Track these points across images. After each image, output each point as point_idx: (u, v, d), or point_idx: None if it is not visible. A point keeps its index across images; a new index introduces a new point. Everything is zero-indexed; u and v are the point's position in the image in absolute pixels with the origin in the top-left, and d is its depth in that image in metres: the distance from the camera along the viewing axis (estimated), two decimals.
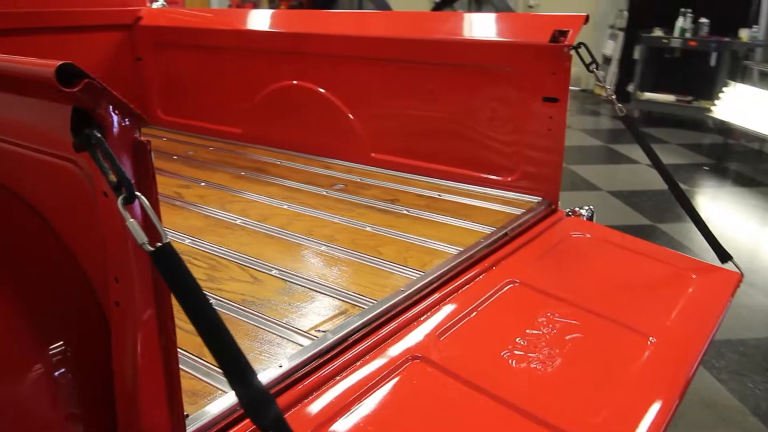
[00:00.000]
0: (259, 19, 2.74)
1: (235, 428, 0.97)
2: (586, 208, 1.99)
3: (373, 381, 1.11)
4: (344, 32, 2.30)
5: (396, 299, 1.33)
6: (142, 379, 0.84)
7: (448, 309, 1.36)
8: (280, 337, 1.20)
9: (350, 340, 1.19)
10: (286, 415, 0.99)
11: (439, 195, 2.01)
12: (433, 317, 1.32)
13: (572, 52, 1.79)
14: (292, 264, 1.52)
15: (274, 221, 1.78)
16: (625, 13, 8.02)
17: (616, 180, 5.03)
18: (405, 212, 1.87)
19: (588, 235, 1.77)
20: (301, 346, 1.17)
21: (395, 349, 1.20)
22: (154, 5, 3.24)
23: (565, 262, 1.63)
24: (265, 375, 1.07)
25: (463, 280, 1.47)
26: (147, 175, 0.77)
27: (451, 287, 1.43)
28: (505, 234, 1.70)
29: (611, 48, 8.25)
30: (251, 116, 2.67)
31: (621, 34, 8.03)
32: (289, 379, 1.08)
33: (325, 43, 2.34)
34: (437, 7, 8.73)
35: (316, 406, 1.04)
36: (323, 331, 1.21)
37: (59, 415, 0.90)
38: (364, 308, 1.30)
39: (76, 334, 0.95)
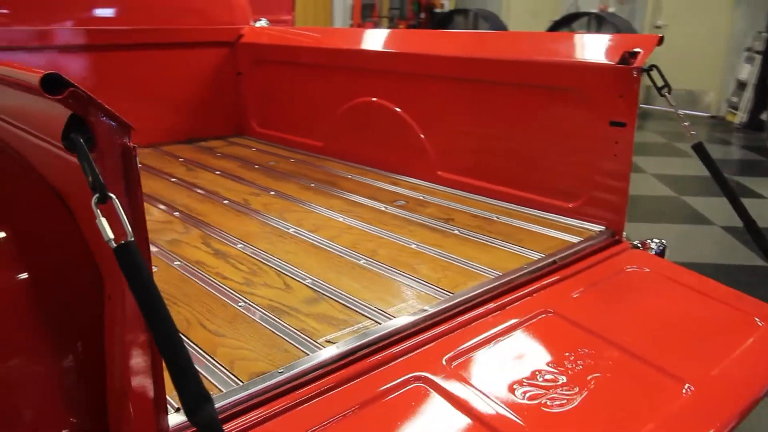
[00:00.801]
0: (345, 38, 2.83)
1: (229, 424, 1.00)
2: (657, 241, 1.86)
3: (368, 398, 1.10)
4: (415, 51, 2.32)
5: (414, 318, 1.31)
6: (127, 371, 0.89)
7: (468, 333, 1.32)
8: (292, 344, 1.23)
9: (357, 355, 1.19)
10: (273, 421, 1.02)
11: (497, 217, 1.96)
12: (450, 340, 1.29)
13: (638, 73, 1.69)
14: (326, 274, 1.54)
15: (324, 233, 1.83)
16: (765, 35, 7.40)
17: (734, 215, 4.62)
18: (456, 232, 1.84)
19: (647, 270, 1.65)
20: (307, 354, 1.19)
21: (400, 369, 1.18)
22: (257, 24, 3.45)
23: (612, 297, 1.53)
24: (263, 379, 1.10)
25: (493, 305, 1.42)
26: (132, 177, 0.83)
27: (477, 312, 1.39)
28: (553, 262, 1.63)
29: (747, 72, 7.64)
30: (332, 131, 2.75)
31: (758, 58, 7.41)
32: (285, 386, 1.10)
33: (398, 61, 2.38)
34: (554, 27, 8.52)
35: (304, 416, 1.05)
36: (333, 343, 1.23)
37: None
38: (380, 324, 1.30)
39: (89, 328, 1.03)
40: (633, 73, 1.70)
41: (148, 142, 2.98)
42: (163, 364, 0.78)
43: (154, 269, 1.57)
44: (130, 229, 0.76)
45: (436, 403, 1.12)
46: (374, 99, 2.50)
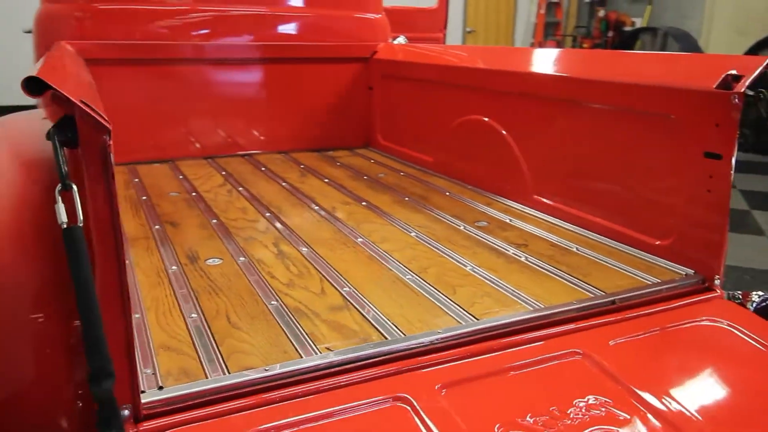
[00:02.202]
0: (469, 55, 2.82)
1: (186, 414, 1.07)
2: (760, 294, 1.61)
3: (336, 409, 1.10)
4: (513, 69, 2.24)
5: (420, 339, 1.28)
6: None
7: (474, 364, 1.26)
8: (294, 346, 1.26)
9: (344, 367, 1.20)
10: (239, 414, 1.07)
11: (577, 248, 1.83)
12: (451, 366, 1.24)
13: (739, 99, 1.48)
14: (365, 285, 1.56)
15: (387, 245, 1.84)
16: None
17: None
18: (522, 259, 1.75)
19: (733, 327, 1.43)
20: (300, 357, 1.22)
21: (384, 387, 1.17)
22: (395, 41, 3.56)
23: (666, 349, 1.35)
24: (248, 373, 1.15)
25: (516, 338, 1.34)
26: (106, 172, 0.93)
27: (494, 342, 1.31)
28: (612, 302, 1.49)
29: None
30: (442, 147, 2.76)
31: None
32: (263, 385, 1.14)
33: (497, 79, 2.32)
34: (754, 50, 7.61)
35: (270, 415, 1.08)
36: (329, 350, 1.25)
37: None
38: (387, 339, 1.29)
39: None
40: (732, 99, 1.49)
41: (280, 148, 3.22)
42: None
43: (218, 262, 1.71)
44: (81, 216, 0.86)
45: (408, 426, 1.09)
46: (478, 116, 2.47)
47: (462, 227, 2.02)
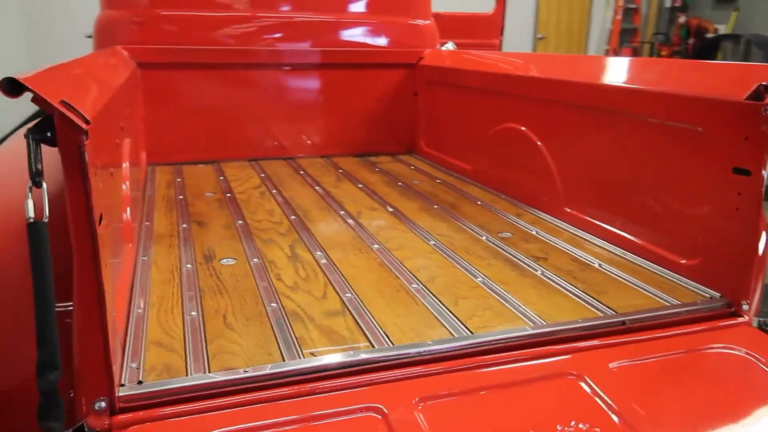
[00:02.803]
0: (512, 61, 2.76)
1: (160, 409, 1.09)
2: None
3: (309, 414, 1.10)
4: (545, 76, 2.17)
5: (407, 350, 1.26)
6: (79, 330, 1.03)
7: (459, 377, 1.22)
8: (280, 349, 1.27)
9: (323, 373, 1.19)
10: (210, 414, 1.08)
11: (599, 264, 1.75)
12: (433, 380, 1.21)
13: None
14: (368, 292, 1.55)
15: (401, 253, 1.82)
16: None
17: None
18: (537, 273, 1.69)
19: (745, 352, 1.33)
20: (283, 360, 1.22)
21: (359, 396, 1.15)
22: (443, 47, 3.54)
23: (673, 377, 1.27)
24: (226, 374, 1.17)
25: (509, 355, 1.29)
26: (82, 171, 0.96)
27: (486, 358, 1.27)
28: (622, 323, 1.41)
29: None
30: (479, 155, 2.71)
31: None
32: (238, 386, 1.15)
33: (530, 86, 2.26)
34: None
35: (239, 417, 1.09)
36: (313, 355, 1.24)
37: None
38: (374, 348, 1.27)
39: None
40: (763, 111, 1.39)
41: (323, 153, 3.25)
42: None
43: (232, 262, 1.74)
44: (47, 212, 0.90)
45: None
46: (515, 125, 2.41)
47: (484, 237, 1.98)
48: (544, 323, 1.39)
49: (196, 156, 3.04)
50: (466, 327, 1.37)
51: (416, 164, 3.10)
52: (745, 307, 1.49)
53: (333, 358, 1.23)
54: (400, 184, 2.68)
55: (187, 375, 1.17)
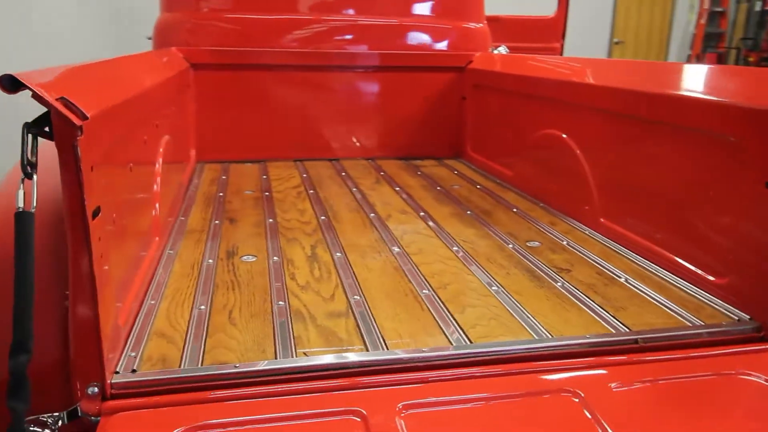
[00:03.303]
0: (562, 66, 2.68)
1: (149, 398, 1.13)
2: None
3: (291, 413, 1.10)
4: (581, 80, 2.10)
5: (399, 356, 1.25)
6: (73, 319, 1.08)
7: (448, 386, 1.19)
8: (275, 347, 1.28)
9: (311, 374, 1.20)
10: (193, 406, 1.11)
11: (626, 279, 1.67)
12: (420, 387, 1.19)
13: None
14: (376, 295, 1.54)
15: (420, 258, 1.81)
16: None
17: None
18: (557, 285, 1.63)
19: (765, 380, 1.23)
20: (275, 358, 1.23)
21: (342, 399, 1.15)
22: (496, 51, 3.48)
23: (680, 401, 1.19)
24: (216, 368, 1.19)
25: (505, 367, 1.25)
26: (74, 164, 1.01)
27: (479, 368, 1.24)
28: (634, 341, 1.34)
29: None
30: (520, 161, 2.66)
31: None
32: (225, 381, 1.17)
33: (568, 91, 2.19)
34: None
35: (219, 411, 1.11)
36: (305, 354, 1.25)
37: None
38: (368, 351, 1.27)
39: None
40: None
41: (369, 155, 3.27)
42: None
43: (252, 259, 1.78)
44: (35, 203, 0.94)
45: None
46: (555, 131, 2.34)
47: (510, 246, 1.93)
48: (550, 337, 1.34)
49: (244, 155, 3.12)
50: (466, 336, 1.34)
51: (460, 169, 3.06)
52: None
53: (323, 359, 1.23)
54: (438, 188, 2.66)
55: (180, 367, 1.20)
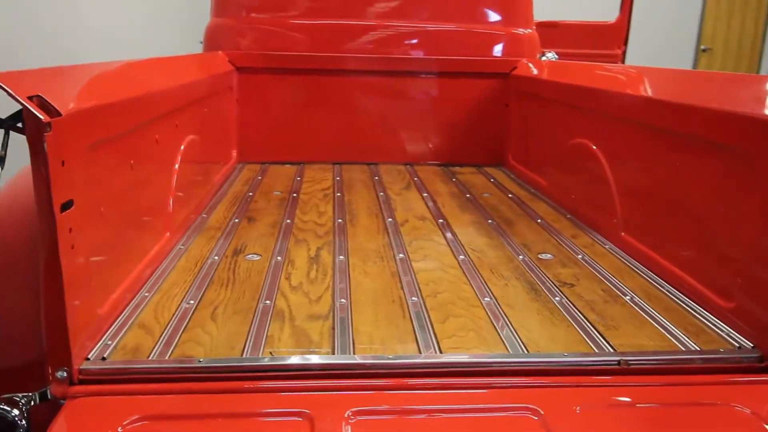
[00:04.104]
0: (606, 74, 2.58)
1: (112, 386, 1.17)
2: None
3: (239, 411, 1.12)
4: (605, 88, 2.00)
5: (360, 361, 1.24)
6: (44, 307, 1.14)
7: (404, 396, 1.17)
8: (245, 345, 1.30)
9: (267, 374, 1.20)
10: (149, 396, 1.14)
11: (631, 297, 1.59)
12: (375, 394, 1.17)
13: None
14: (363, 300, 1.54)
15: (421, 264, 1.79)
16: None
17: None
18: (555, 299, 1.57)
19: (751, 411, 1.14)
20: (241, 356, 1.25)
21: (291, 401, 1.15)
22: (544, 57, 3.40)
23: (656, 429, 1.12)
24: (180, 361, 1.22)
25: (467, 380, 1.21)
26: (42, 159, 1.07)
27: (441, 380, 1.21)
28: (617, 363, 1.27)
29: None
30: (554, 171, 2.58)
31: None
32: (183, 374, 1.20)
33: (597, 99, 2.10)
34: None
35: (171, 403, 1.14)
36: (271, 354, 1.26)
37: None
38: (333, 355, 1.27)
39: None
40: None
41: (408, 160, 3.26)
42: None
43: (256, 258, 1.81)
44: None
45: None
46: (585, 141, 2.25)
47: (521, 257, 1.87)
48: (525, 352, 1.29)
49: (284, 157, 3.19)
50: (437, 346, 1.32)
51: (498, 177, 3.00)
52: None
53: (286, 359, 1.24)
54: (467, 196, 2.62)
55: (148, 357, 1.24)
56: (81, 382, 1.18)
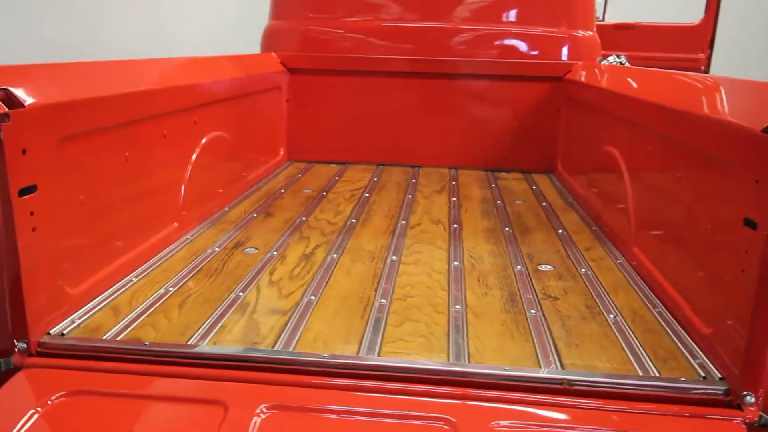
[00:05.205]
0: (653, 79, 2.42)
1: (66, 360, 1.26)
2: None
3: (159, 395, 1.17)
4: (626, 93, 1.87)
5: (291, 357, 1.25)
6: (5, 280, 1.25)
7: (319, 394, 1.17)
8: (198, 332, 1.35)
9: (196, 361, 1.25)
10: (92, 372, 1.23)
11: (614, 316, 1.49)
12: (292, 391, 1.17)
13: None
14: (331, 298, 1.54)
15: (409, 268, 1.77)
16: None
17: None
18: (530, 312, 1.50)
19: None
20: (186, 344, 1.31)
21: (209, 390, 1.18)
22: (607, 61, 3.23)
23: None
24: (128, 343, 1.30)
25: (390, 385, 1.19)
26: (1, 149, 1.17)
27: (366, 383, 1.20)
28: (560, 382, 1.20)
29: None
30: (587, 179, 2.45)
31: None
32: (136, 356, 1.27)
33: (617, 104, 1.98)
34: None
35: (104, 380, 1.20)
36: (216, 344, 1.31)
37: None
38: (273, 349, 1.29)
39: None
40: None
41: (454, 164, 3.22)
42: None
43: (253, 251, 1.87)
44: None
45: (207, 430, 1.10)
46: (613, 149, 2.13)
47: (518, 267, 1.80)
48: (465, 362, 1.25)
49: (331, 156, 3.25)
50: (378, 349, 1.30)
51: (541, 185, 2.89)
52: (749, 399, 1.15)
53: (223, 349, 1.28)
54: (498, 202, 2.55)
55: (101, 337, 1.32)
56: (39, 354, 1.28)
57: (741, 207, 1.16)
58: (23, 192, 1.23)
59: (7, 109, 1.17)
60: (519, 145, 3.18)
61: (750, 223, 1.12)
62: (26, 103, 1.21)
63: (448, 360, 1.27)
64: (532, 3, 3.12)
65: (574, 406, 1.16)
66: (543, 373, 1.22)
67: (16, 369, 1.27)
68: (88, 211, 1.48)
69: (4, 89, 1.18)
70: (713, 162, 1.31)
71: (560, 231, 2.16)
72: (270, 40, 3.26)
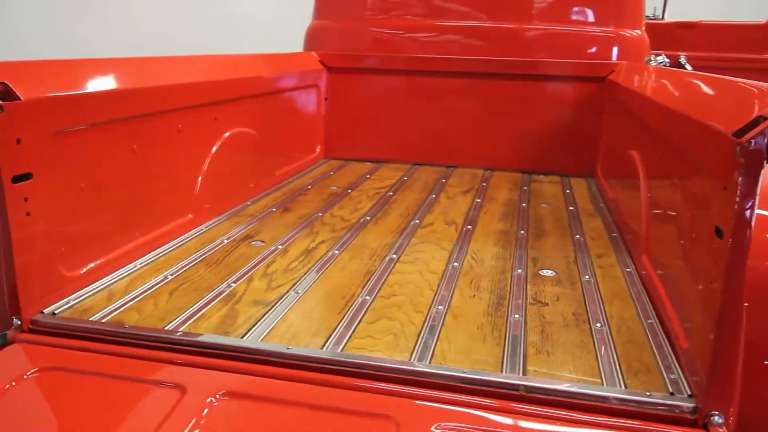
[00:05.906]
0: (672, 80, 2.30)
1: (55, 338, 1.34)
2: None
3: (127, 375, 1.23)
4: (645, 94, 1.78)
5: (248, 345, 1.28)
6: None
7: (271, 385, 1.19)
8: (175, 321, 1.41)
9: (164, 344, 1.30)
10: (74, 351, 1.31)
11: (600, 325, 1.43)
12: (248, 381, 1.20)
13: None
14: (316, 293, 1.57)
15: (405, 267, 1.76)
16: None
17: None
18: (513, 317, 1.47)
19: None
20: (201, 334, 1.35)
21: (171, 374, 1.22)
22: (653, 61, 3.10)
23: None
24: (111, 326, 1.37)
25: (348, 380, 1.20)
26: None
27: (318, 376, 1.21)
28: (517, 387, 1.17)
29: None
30: (615, 184, 2.36)
31: None
32: (116, 338, 1.33)
33: (639, 106, 1.88)
34: None
35: (85, 360, 1.28)
36: (191, 333, 1.36)
37: None
38: (245, 340, 1.33)
39: None
40: (738, 152, 0.99)
41: (492, 165, 3.17)
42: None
43: (259, 244, 1.92)
44: None
45: (159, 412, 1.14)
46: (633, 153, 2.05)
47: (519, 271, 1.76)
48: (422, 363, 1.24)
49: (367, 155, 3.28)
50: (344, 344, 1.31)
51: (576, 188, 2.80)
52: (716, 419, 1.08)
53: (197, 337, 1.32)
54: (522, 205, 2.49)
55: (88, 318, 1.40)
56: (30, 331, 1.38)
57: (705, 215, 1.09)
58: (17, 179, 1.32)
59: (1, 102, 1.26)
60: (559, 148, 3.09)
61: (719, 232, 1.05)
62: (22, 97, 1.30)
63: (410, 359, 1.26)
64: (575, 2, 3.03)
65: (528, 414, 1.13)
66: (499, 378, 1.19)
67: (11, 343, 1.37)
68: (89, 200, 1.57)
69: (3, 83, 1.28)
70: (698, 167, 1.23)
71: (577, 236, 2.09)
72: (311, 39, 3.33)
